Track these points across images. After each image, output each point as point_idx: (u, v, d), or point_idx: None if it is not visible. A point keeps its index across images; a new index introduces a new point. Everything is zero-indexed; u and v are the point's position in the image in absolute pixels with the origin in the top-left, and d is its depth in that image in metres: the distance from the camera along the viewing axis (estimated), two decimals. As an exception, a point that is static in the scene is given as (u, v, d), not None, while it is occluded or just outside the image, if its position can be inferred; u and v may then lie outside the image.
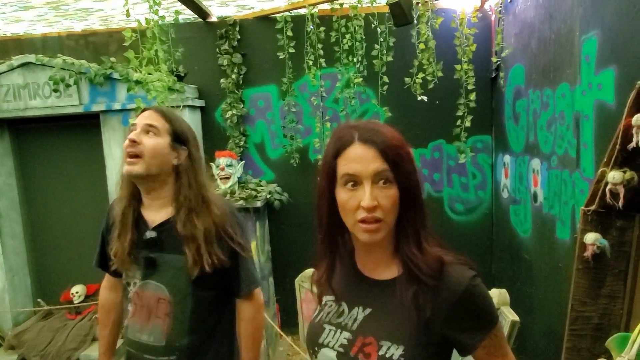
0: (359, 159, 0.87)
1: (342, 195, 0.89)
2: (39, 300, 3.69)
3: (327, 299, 1.02)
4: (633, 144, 1.46)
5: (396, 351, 0.87)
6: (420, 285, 0.88)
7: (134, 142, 1.37)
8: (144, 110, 1.45)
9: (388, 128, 0.92)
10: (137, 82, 2.78)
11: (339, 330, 0.95)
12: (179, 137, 1.44)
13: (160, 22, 2.39)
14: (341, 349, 0.93)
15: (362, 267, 0.98)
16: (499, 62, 3.23)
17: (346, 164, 0.88)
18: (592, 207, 1.66)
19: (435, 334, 0.87)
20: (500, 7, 2.97)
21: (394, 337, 0.88)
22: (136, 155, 1.36)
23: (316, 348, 0.97)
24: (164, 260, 1.44)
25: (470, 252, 4.05)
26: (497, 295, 2.45)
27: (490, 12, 3.37)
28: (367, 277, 0.95)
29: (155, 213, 1.46)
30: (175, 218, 1.41)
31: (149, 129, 1.40)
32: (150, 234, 1.43)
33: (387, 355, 0.87)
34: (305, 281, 2.96)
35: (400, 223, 0.90)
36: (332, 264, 1.00)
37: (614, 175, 1.54)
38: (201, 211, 1.40)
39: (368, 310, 0.93)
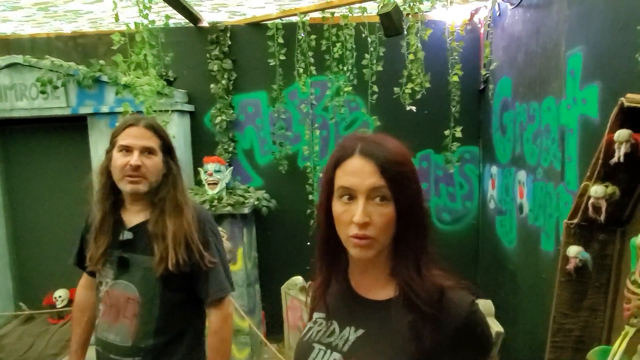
0: (357, 172, 0.83)
1: (337, 207, 0.86)
2: (20, 304, 3.62)
3: (318, 315, 0.98)
4: (615, 159, 1.49)
5: None
6: (418, 312, 0.83)
7: (137, 167, 1.42)
8: (131, 124, 1.47)
9: (395, 143, 0.88)
10: (125, 86, 2.76)
11: (329, 351, 0.90)
12: (168, 150, 1.51)
13: (150, 26, 2.38)
14: None
15: (357, 286, 0.94)
16: (487, 75, 3.27)
17: (343, 176, 0.85)
18: (575, 221, 1.69)
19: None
20: (489, 20, 3.02)
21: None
22: (139, 176, 1.43)
23: None
24: (135, 261, 1.47)
25: (456, 262, 4.06)
26: (482, 306, 2.45)
27: (479, 25, 3.42)
28: (361, 296, 0.91)
29: (133, 215, 1.50)
30: (149, 219, 1.47)
31: (147, 149, 1.45)
32: (126, 235, 1.47)
33: None
34: (291, 288, 2.95)
35: (398, 244, 0.86)
36: (327, 279, 0.96)
37: (597, 190, 1.57)
38: (173, 214, 1.45)
39: (360, 332, 0.89)
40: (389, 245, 0.87)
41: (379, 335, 0.86)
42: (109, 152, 1.49)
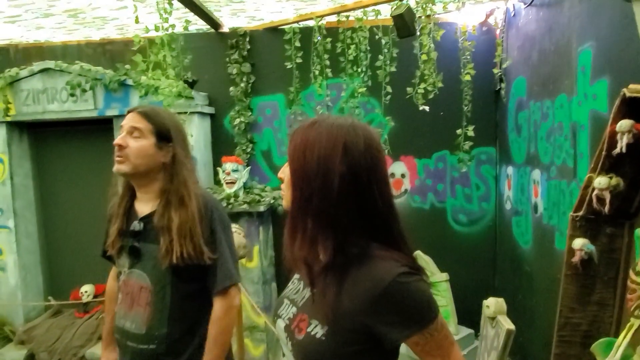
0: None
1: None
2: (49, 297, 3.79)
3: (295, 277, 1.13)
4: (617, 150, 1.48)
5: (320, 330, 0.94)
6: (344, 273, 0.93)
7: (120, 146, 1.45)
8: (129, 111, 1.53)
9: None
10: (148, 87, 2.89)
11: (291, 305, 1.05)
12: (163, 136, 1.50)
13: (169, 30, 2.51)
14: (287, 322, 1.03)
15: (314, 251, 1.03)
16: (502, 75, 3.26)
17: None
18: (580, 213, 1.68)
19: (355, 322, 0.91)
20: (504, 20, 3.02)
21: (320, 318, 0.95)
22: (122, 157, 1.46)
23: (275, 317, 1.09)
24: (146, 250, 1.50)
25: (474, 264, 4.01)
26: (494, 303, 2.44)
27: (494, 26, 3.42)
28: (311, 260, 0.99)
29: (145, 205, 1.53)
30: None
31: (133, 130, 1.47)
32: (137, 225, 1.51)
33: (312, 333, 0.95)
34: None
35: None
36: None
37: (600, 181, 1.56)
38: (178, 206, 1.46)
39: (311, 291, 1.01)
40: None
41: (318, 295, 0.97)
42: None
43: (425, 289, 0.92)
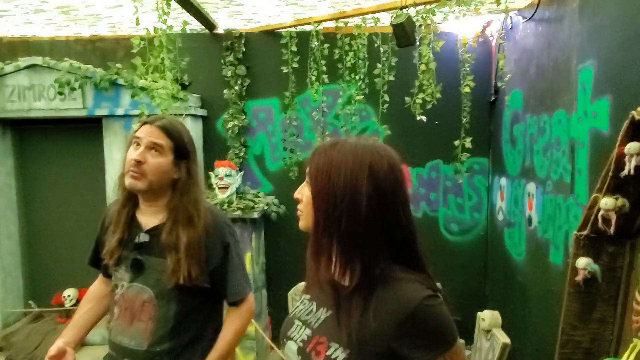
0: None
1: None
2: (30, 302, 3.66)
3: (305, 297, 1.11)
4: (625, 172, 1.50)
5: (342, 353, 0.91)
6: (369, 295, 0.91)
7: (138, 162, 1.39)
8: (146, 121, 1.46)
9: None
10: (142, 89, 2.82)
11: (304, 327, 1.03)
12: (181, 153, 1.46)
13: (167, 31, 2.44)
14: (301, 344, 1.00)
15: (335, 272, 1.02)
16: (498, 87, 3.29)
17: None
18: (585, 232, 1.69)
19: (380, 345, 0.89)
20: (502, 33, 3.05)
21: (342, 341, 0.92)
22: (139, 173, 1.40)
23: (284, 340, 1.06)
24: (150, 264, 1.45)
25: (465, 273, 4.04)
26: (489, 317, 2.46)
27: (491, 38, 3.44)
28: (337, 281, 0.98)
29: (149, 217, 1.48)
30: (164, 224, 1.45)
31: (153, 146, 1.42)
32: (142, 237, 1.46)
33: (333, 356, 0.92)
34: (297, 294, 2.96)
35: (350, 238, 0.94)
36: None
37: (607, 202, 1.58)
38: (187, 224, 1.42)
39: (329, 312, 0.99)
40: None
41: (340, 316, 0.94)
42: (128, 148, 1.47)
43: (447, 313, 0.93)
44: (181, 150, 1.46)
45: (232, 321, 1.53)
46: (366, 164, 0.92)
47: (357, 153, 0.94)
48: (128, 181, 1.41)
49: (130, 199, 1.50)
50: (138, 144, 1.42)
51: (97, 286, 1.68)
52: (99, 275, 1.69)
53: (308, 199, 0.98)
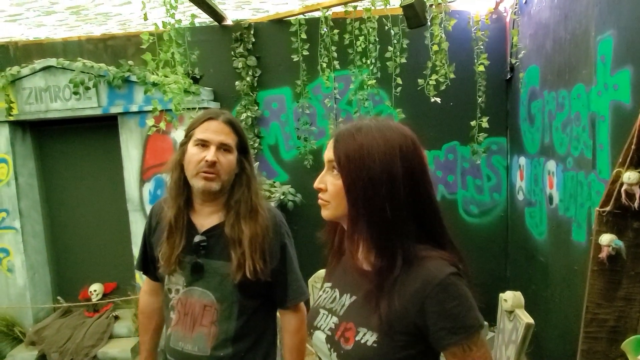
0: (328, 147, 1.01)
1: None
2: (58, 297, 3.77)
3: (327, 285, 1.11)
4: (649, 144, 1.45)
5: (370, 337, 0.91)
6: (396, 277, 0.90)
7: (213, 164, 1.35)
8: (210, 117, 1.40)
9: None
10: (154, 85, 2.84)
11: (330, 315, 1.02)
12: (243, 148, 1.44)
13: (176, 25, 2.44)
14: (329, 332, 0.99)
15: (355, 257, 1.01)
16: (514, 64, 3.21)
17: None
18: (607, 208, 1.65)
19: (407, 324, 0.89)
20: (516, 8, 2.96)
21: (370, 325, 0.92)
22: (214, 173, 1.36)
23: (312, 330, 1.05)
24: (210, 267, 1.40)
25: (485, 255, 4.00)
26: (512, 297, 2.43)
27: (504, 14, 3.35)
28: (359, 266, 0.98)
29: (205, 218, 1.44)
30: (224, 222, 1.40)
31: (223, 147, 1.38)
32: (199, 238, 1.41)
33: (362, 341, 0.91)
34: (318, 282, 2.98)
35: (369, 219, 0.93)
36: (337, 252, 1.10)
37: (630, 176, 1.53)
38: (248, 217, 1.38)
39: (353, 298, 0.99)
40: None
41: (364, 301, 0.95)
42: (183, 145, 1.41)
43: (469, 295, 0.91)
44: (244, 145, 1.44)
45: (293, 333, 1.48)
46: (396, 146, 0.91)
47: (386, 136, 0.92)
48: (201, 183, 1.36)
49: (188, 201, 1.44)
50: (205, 145, 1.36)
51: (148, 300, 1.62)
52: (145, 283, 1.63)
53: (336, 188, 0.94)
